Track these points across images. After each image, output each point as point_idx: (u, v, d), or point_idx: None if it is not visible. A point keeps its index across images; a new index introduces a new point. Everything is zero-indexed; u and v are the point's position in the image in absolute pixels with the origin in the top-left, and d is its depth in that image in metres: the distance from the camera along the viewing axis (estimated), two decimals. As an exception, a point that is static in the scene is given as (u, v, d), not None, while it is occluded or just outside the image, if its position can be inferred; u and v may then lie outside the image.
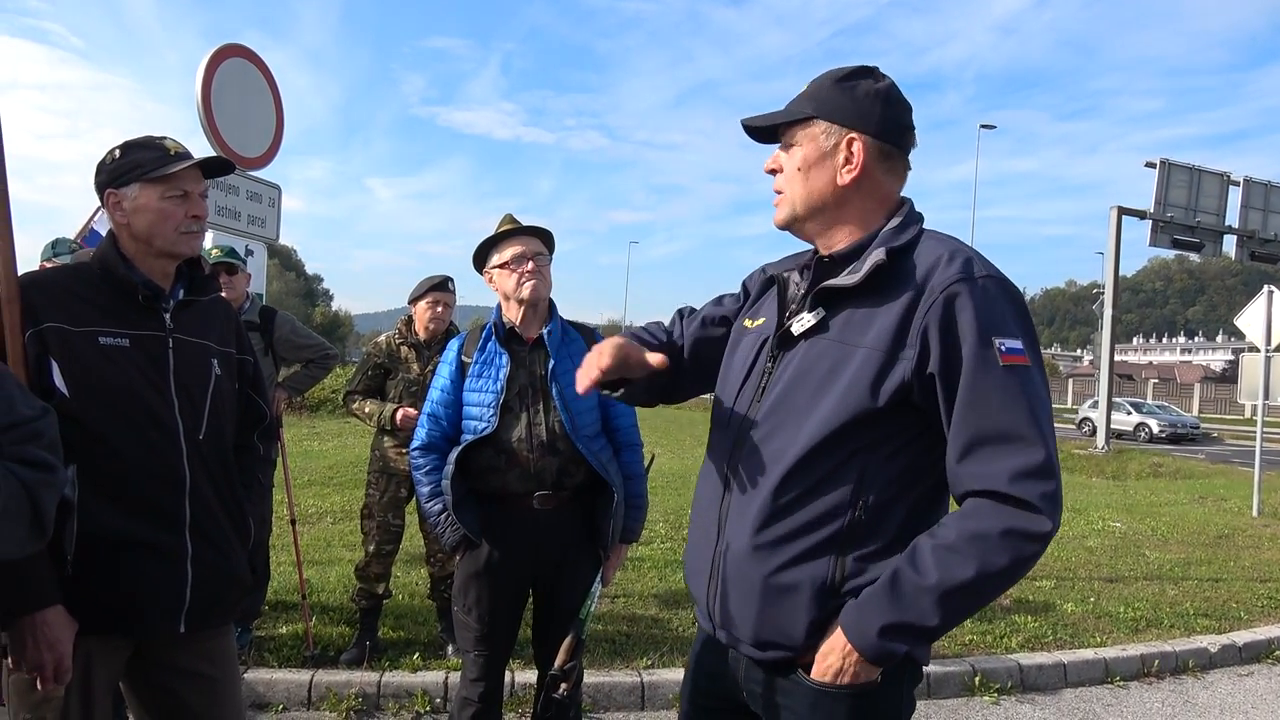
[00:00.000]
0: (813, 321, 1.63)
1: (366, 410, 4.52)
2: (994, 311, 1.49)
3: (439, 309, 4.55)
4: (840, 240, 1.68)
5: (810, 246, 1.78)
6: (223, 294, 4.48)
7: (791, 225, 1.72)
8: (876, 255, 1.57)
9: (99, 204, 2.10)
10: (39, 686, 1.84)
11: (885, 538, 1.56)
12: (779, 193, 1.71)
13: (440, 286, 4.54)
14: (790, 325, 1.67)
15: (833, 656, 1.53)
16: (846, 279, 1.59)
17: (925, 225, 1.67)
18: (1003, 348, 1.46)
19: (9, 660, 1.84)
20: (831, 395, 1.55)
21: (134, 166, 2.02)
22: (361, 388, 4.62)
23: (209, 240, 4.93)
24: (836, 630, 1.53)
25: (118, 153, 2.05)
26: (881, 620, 1.47)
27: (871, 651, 1.49)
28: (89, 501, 1.85)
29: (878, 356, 1.53)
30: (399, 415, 4.37)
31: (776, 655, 1.61)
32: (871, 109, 1.64)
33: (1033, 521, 1.43)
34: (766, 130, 1.73)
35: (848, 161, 1.63)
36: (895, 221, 1.65)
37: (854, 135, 1.62)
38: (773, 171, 1.72)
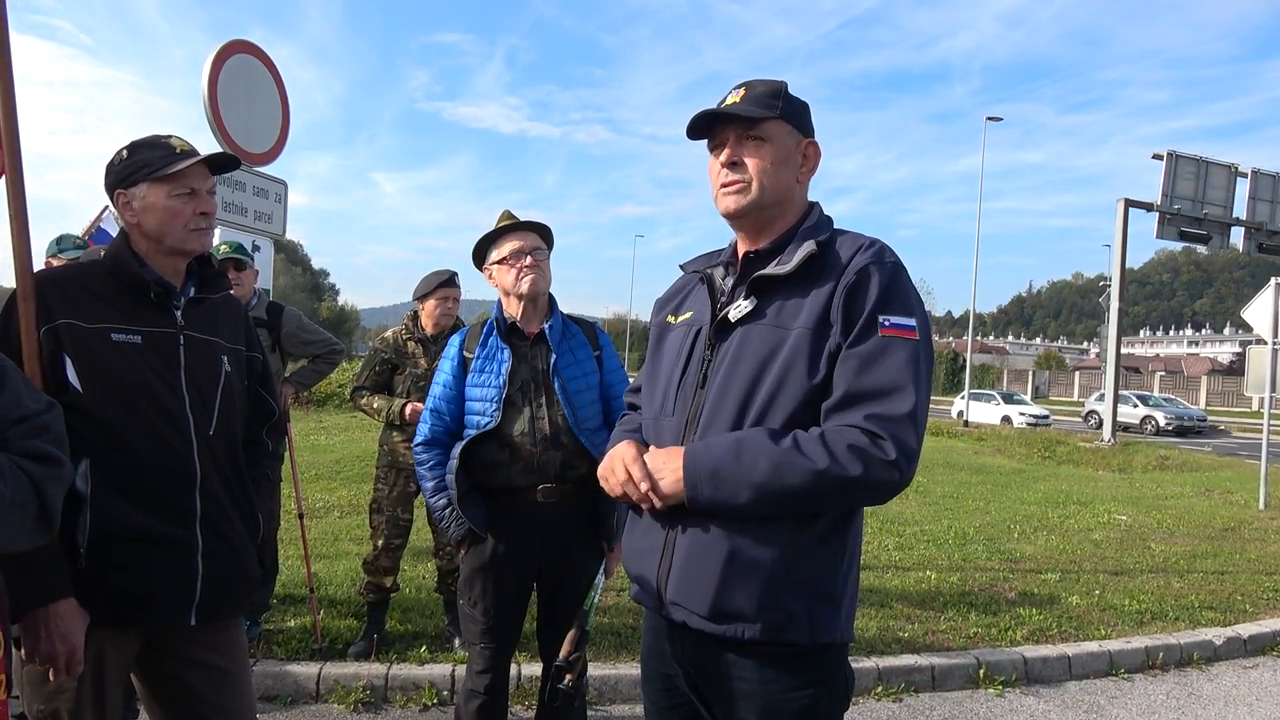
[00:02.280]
0: (749, 308, 1.76)
1: (375, 405, 4.54)
2: (893, 289, 1.66)
3: (449, 304, 4.57)
4: (768, 236, 1.83)
5: (730, 244, 1.94)
6: (232, 291, 4.51)
7: (750, 212, 1.81)
8: (808, 247, 1.72)
9: (107, 202, 2.13)
10: (51, 678, 1.87)
11: (829, 512, 1.68)
12: (737, 181, 1.80)
13: (448, 283, 4.56)
14: (727, 313, 1.79)
15: (665, 480, 1.69)
16: (779, 269, 1.73)
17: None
18: (887, 322, 1.63)
19: (22, 652, 1.87)
20: (772, 375, 1.68)
21: (141, 166, 2.04)
22: (369, 383, 4.64)
23: (216, 237, 4.96)
24: (678, 456, 1.68)
25: (125, 153, 2.07)
26: (713, 464, 1.63)
27: (690, 480, 1.64)
28: (101, 495, 1.88)
29: (811, 336, 1.67)
30: (408, 410, 4.39)
31: (729, 627, 1.68)
32: (810, 120, 1.86)
33: (880, 448, 1.57)
34: (704, 127, 1.84)
35: (805, 163, 1.84)
36: (812, 220, 1.83)
37: (812, 141, 1.84)
38: (734, 163, 1.80)
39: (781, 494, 1.59)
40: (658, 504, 1.72)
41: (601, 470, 1.83)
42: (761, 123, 1.77)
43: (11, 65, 1.94)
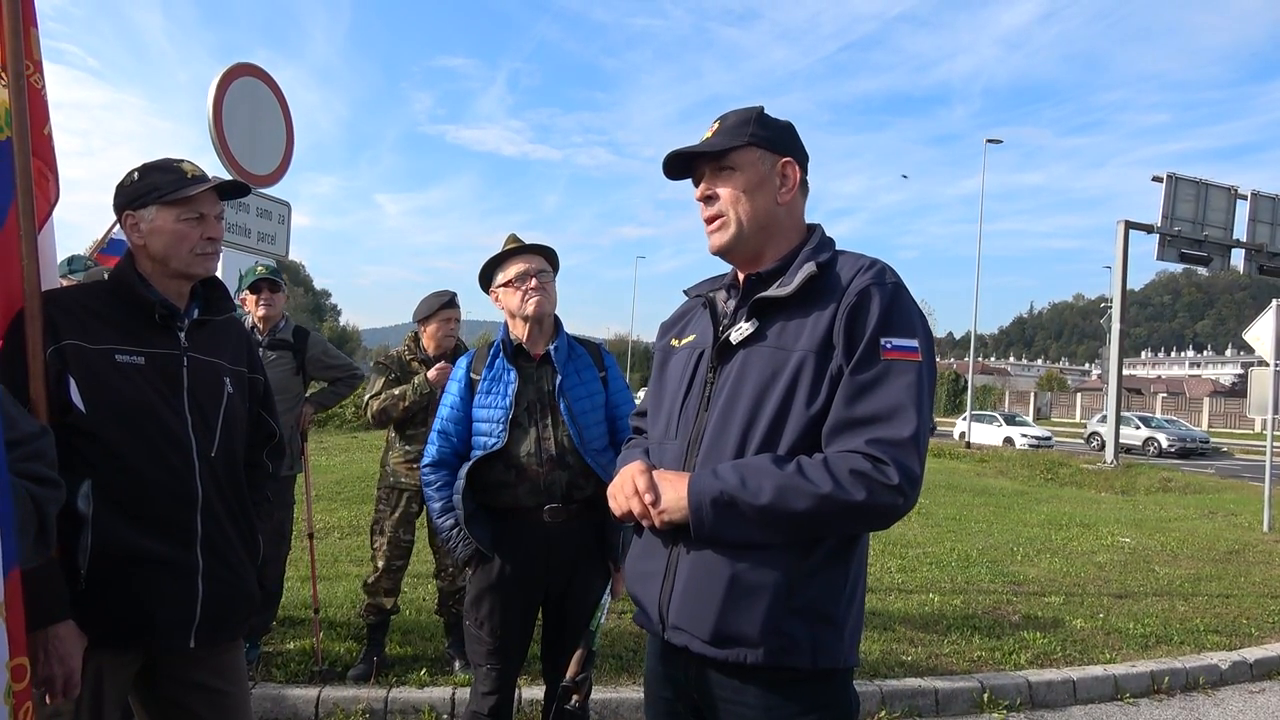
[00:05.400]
0: (750, 330, 1.75)
1: (396, 392, 4.47)
2: (895, 310, 1.65)
3: (450, 325, 4.59)
4: (767, 260, 1.83)
5: (733, 268, 1.92)
6: (261, 311, 4.54)
7: (734, 246, 1.83)
8: (808, 268, 1.72)
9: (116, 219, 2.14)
10: (48, 700, 1.85)
11: (835, 536, 1.67)
12: (718, 217, 1.82)
13: (449, 304, 4.59)
14: (729, 335, 1.79)
15: (668, 498, 1.69)
16: (780, 290, 1.73)
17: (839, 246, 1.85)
18: (889, 344, 1.63)
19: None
20: (775, 398, 1.68)
21: (151, 189, 2.05)
22: (383, 391, 4.62)
23: (247, 259, 5.04)
24: (684, 481, 1.68)
25: (136, 175, 2.09)
26: (717, 490, 1.62)
27: (695, 506, 1.64)
28: (103, 516, 1.88)
29: (813, 359, 1.66)
30: (433, 373, 4.40)
31: (731, 652, 1.66)
32: (792, 140, 1.85)
33: (882, 473, 1.56)
34: (682, 167, 1.87)
35: (784, 183, 1.81)
36: (813, 242, 1.82)
37: (788, 160, 1.82)
38: (708, 198, 1.83)
39: (785, 519, 1.58)
40: (657, 521, 1.71)
41: (611, 488, 1.83)
42: (729, 153, 1.79)
43: (25, 94, 1.98)
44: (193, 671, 2.11)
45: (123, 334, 2.01)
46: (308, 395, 4.93)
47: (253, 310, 4.68)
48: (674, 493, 1.69)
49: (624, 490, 1.77)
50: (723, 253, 1.85)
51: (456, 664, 4.47)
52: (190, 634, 2.04)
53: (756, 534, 1.62)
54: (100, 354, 1.96)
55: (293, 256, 6.86)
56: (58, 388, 1.91)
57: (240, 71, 5.19)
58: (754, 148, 1.79)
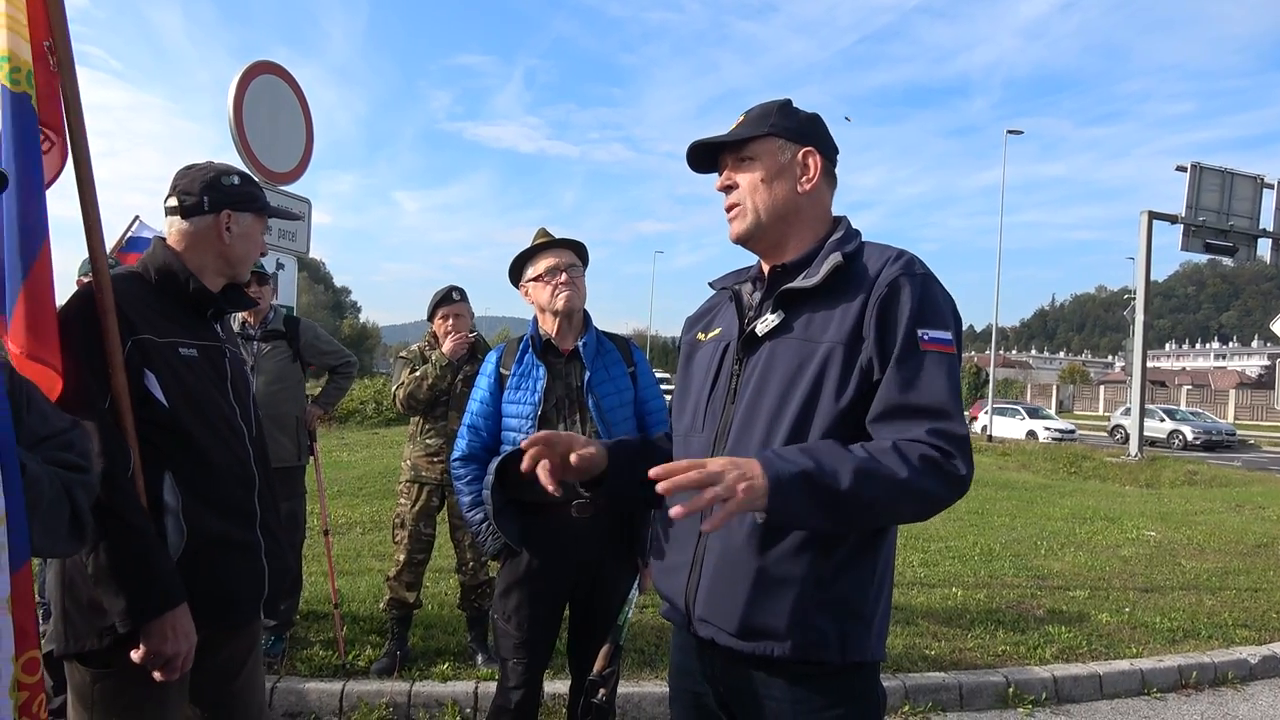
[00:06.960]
0: (776, 322, 1.74)
1: (416, 375, 4.51)
2: (927, 302, 1.64)
3: (449, 322, 4.60)
4: (791, 251, 1.81)
5: (759, 260, 1.90)
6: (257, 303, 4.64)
7: (753, 234, 1.81)
8: (834, 259, 1.70)
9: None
10: (159, 677, 1.91)
11: (882, 526, 1.66)
12: (736, 205, 1.81)
13: (444, 300, 4.61)
14: (754, 327, 1.77)
15: (733, 472, 1.43)
16: (805, 281, 1.72)
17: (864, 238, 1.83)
18: (926, 336, 1.61)
19: (57, 669, 1.90)
20: (802, 389, 1.65)
21: (253, 199, 2.23)
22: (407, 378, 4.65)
23: (268, 257, 5.13)
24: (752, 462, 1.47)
25: (236, 179, 2.21)
26: (801, 466, 1.48)
27: (774, 485, 1.44)
28: (187, 505, 1.99)
29: (841, 350, 1.64)
30: (448, 345, 4.46)
31: (758, 645, 1.65)
32: (816, 129, 1.84)
33: (950, 464, 1.54)
34: (708, 160, 1.87)
35: (805, 172, 1.80)
36: (840, 233, 1.80)
37: (809, 149, 1.80)
38: (727, 188, 1.83)
39: (858, 505, 1.50)
40: (741, 491, 1.41)
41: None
42: (748, 142, 1.80)
43: (75, 82, 2.01)
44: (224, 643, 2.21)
45: (180, 328, 2.10)
46: (314, 399, 5.02)
47: None
48: (749, 467, 1.45)
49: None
50: (741, 241, 1.84)
51: (479, 658, 4.49)
52: (260, 608, 2.20)
53: (822, 519, 1.52)
54: (168, 347, 2.04)
55: (313, 254, 6.90)
56: (136, 380, 1.96)
57: (260, 69, 5.22)
58: (774, 137, 1.79)
